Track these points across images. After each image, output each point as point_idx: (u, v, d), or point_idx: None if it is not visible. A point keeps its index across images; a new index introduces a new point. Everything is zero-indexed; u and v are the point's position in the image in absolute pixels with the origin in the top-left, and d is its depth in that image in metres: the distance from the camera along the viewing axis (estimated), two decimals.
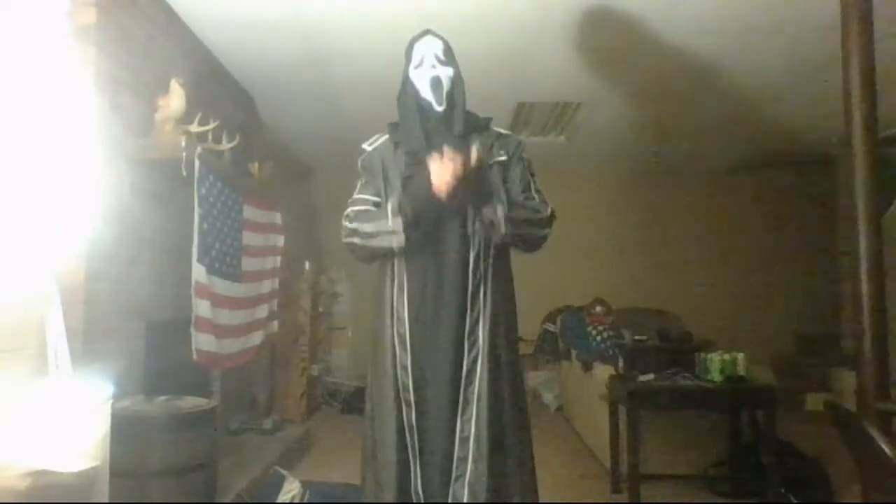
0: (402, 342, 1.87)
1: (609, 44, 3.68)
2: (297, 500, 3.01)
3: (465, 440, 1.81)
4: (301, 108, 4.71)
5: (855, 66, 2.05)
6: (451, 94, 1.94)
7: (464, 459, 1.80)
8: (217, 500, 2.73)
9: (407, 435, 1.85)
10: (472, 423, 1.81)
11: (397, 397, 1.86)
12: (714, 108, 4.83)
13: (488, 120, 2.03)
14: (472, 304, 1.85)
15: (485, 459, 1.78)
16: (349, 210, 1.97)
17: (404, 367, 1.86)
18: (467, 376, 1.83)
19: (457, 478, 1.80)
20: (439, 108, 1.93)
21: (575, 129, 5.31)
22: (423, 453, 1.85)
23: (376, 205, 1.96)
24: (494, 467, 1.78)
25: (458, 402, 1.82)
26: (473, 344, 1.84)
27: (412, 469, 1.84)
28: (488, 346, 1.84)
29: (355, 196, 2.00)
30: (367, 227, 1.89)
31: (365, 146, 2.04)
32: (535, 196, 1.98)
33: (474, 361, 1.84)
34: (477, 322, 1.85)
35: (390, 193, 1.92)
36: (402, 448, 1.84)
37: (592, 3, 3.21)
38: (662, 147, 5.94)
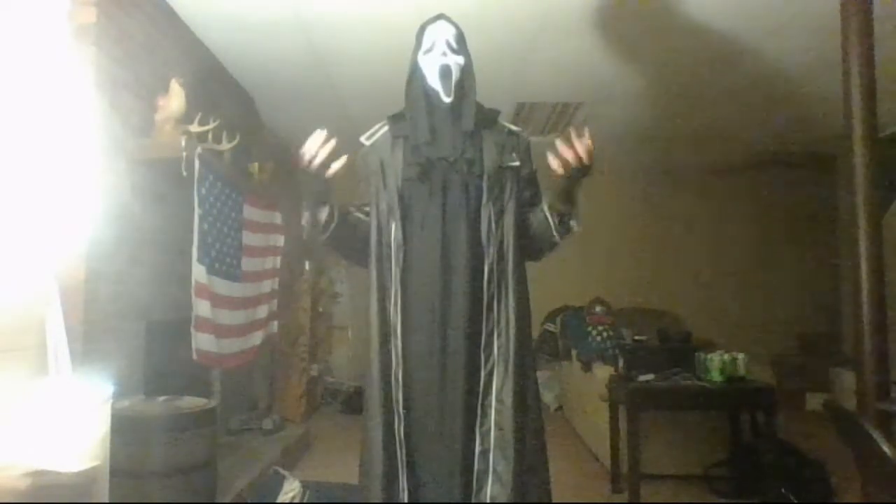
0: (397, 354, 1.78)
1: (609, 44, 3.68)
2: (297, 500, 3.01)
3: (484, 453, 1.74)
4: (301, 108, 4.71)
5: (855, 66, 2.05)
6: (460, 85, 1.83)
7: (485, 472, 1.73)
8: (217, 500, 2.73)
9: (398, 447, 1.75)
10: (491, 436, 1.74)
11: (387, 408, 1.76)
12: (714, 109, 4.83)
13: (497, 113, 1.94)
14: (487, 316, 1.77)
15: (511, 472, 1.71)
16: None
17: (397, 380, 1.77)
18: (484, 388, 1.76)
19: (478, 490, 1.73)
20: (447, 100, 1.82)
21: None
22: (419, 466, 1.76)
23: (363, 207, 1.91)
24: (518, 478, 1.73)
25: (469, 414, 1.75)
26: (489, 355, 1.77)
27: (399, 481, 1.75)
28: (506, 357, 1.76)
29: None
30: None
31: (363, 140, 1.93)
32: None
33: (490, 374, 1.76)
34: (492, 333, 1.77)
35: (385, 193, 1.82)
36: (390, 460, 1.74)
37: (592, 3, 3.22)
38: (662, 146, 5.94)
